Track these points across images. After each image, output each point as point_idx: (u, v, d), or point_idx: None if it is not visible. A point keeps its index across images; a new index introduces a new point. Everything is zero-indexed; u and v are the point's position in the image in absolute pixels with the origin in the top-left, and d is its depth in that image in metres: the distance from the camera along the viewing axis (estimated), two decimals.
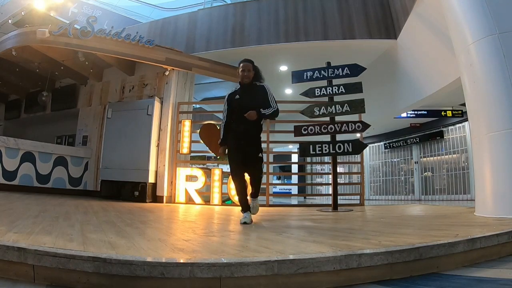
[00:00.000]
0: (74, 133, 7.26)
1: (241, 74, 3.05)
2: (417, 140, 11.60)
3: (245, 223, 2.82)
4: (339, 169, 5.54)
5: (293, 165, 15.03)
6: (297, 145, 6.61)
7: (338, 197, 4.58)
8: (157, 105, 6.07)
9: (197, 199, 5.67)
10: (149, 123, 5.95)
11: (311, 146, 4.65)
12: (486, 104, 3.24)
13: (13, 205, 3.66)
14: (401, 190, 12.25)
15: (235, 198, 5.30)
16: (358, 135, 5.62)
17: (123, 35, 5.75)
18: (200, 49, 7.01)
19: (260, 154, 3.06)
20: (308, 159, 13.89)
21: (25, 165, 5.95)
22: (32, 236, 1.74)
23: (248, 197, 3.08)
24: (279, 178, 17.44)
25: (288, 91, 9.19)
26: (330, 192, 4.68)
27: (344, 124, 4.58)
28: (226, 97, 3.15)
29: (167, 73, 6.19)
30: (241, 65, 3.07)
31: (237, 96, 3.05)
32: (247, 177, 3.09)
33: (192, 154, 6.37)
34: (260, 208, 3.27)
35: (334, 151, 4.55)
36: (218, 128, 3.75)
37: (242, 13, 7.18)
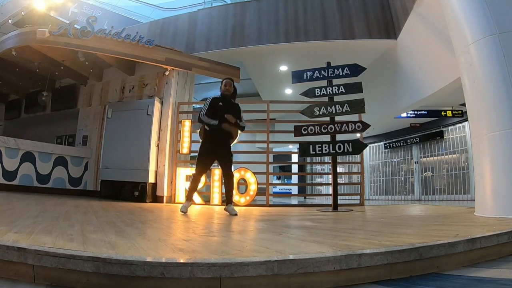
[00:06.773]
0: (74, 133, 7.26)
1: (223, 88, 3.96)
2: (417, 140, 11.60)
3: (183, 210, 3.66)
4: (339, 169, 5.53)
5: (293, 165, 15.02)
6: (297, 145, 6.60)
7: (338, 197, 4.57)
8: (157, 105, 6.07)
9: (197, 199, 5.67)
10: (149, 123, 5.95)
11: (311, 146, 4.64)
12: (486, 104, 3.24)
13: (13, 205, 3.66)
14: (401, 190, 12.26)
15: (235, 198, 5.31)
16: (358, 135, 5.61)
17: (123, 35, 5.75)
18: (200, 49, 7.00)
19: (231, 156, 3.92)
20: (308, 159, 13.89)
21: (25, 165, 5.95)
22: (32, 236, 1.74)
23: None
24: (279, 178, 17.44)
25: (288, 91, 9.19)
26: (330, 192, 4.68)
27: (344, 124, 4.57)
28: (211, 98, 3.95)
29: (167, 73, 6.19)
30: (224, 81, 3.99)
31: (220, 103, 3.89)
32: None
33: (192, 154, 6.36)
34: (260, 208, 3.28)
35: (334, 151, 4.55)
36: None
37: (242, 13, 7.18)
